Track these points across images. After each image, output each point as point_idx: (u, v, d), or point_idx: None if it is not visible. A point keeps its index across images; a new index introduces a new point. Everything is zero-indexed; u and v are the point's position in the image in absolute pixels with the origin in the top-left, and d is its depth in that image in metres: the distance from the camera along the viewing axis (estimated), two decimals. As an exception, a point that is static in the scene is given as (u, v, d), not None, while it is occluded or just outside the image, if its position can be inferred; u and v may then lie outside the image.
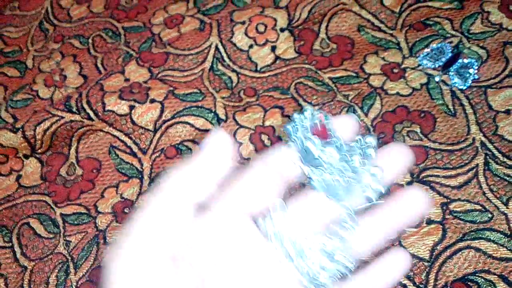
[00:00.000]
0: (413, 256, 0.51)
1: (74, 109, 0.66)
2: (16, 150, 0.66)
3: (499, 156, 0.55)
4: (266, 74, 0.66)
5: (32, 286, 0.57)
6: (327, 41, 0.67)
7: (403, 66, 0.63)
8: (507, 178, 0.54)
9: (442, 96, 0.60)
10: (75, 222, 0.59)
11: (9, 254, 0.59)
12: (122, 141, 0.63)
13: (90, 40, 0.75)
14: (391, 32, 0.66)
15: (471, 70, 0.61)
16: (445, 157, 0.56)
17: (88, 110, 0.66)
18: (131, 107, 0.65)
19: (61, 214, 0.60)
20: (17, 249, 0.59)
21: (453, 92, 0.60)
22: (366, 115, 0.60)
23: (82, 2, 0.80)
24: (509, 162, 0.55)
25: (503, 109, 0.58)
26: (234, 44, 0.69)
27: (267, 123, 0.62)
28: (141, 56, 0.70)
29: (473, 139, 0.57)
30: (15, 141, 0.66)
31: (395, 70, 0.63)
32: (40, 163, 0.64)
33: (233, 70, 0.67)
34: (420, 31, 0.65)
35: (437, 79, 0.61)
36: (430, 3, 0.68)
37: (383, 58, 0.64)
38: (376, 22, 0.67)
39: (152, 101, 0.65)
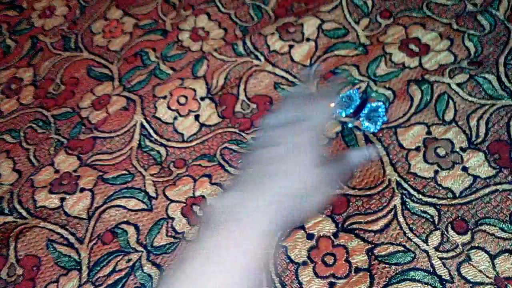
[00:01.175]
0: (345, 308, 0.53)
1: (6, 211, 0.67)
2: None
3: (415, 194, 0.58)
4: (193, 143, 0.69)
5: None
6: (247, 102, 0.70)
7: (318, 117, 0.66)
8: (424, 215, 0.56)
9: (356, 141, 0.63)
10: (17, 327, 0.59)
11: None
12: (58, 233, 0.64)
13: (21, 133, 0.76)
14: (305, 85, 0.69)
15: (380, 113, 0.64)
16: (365, 202, 0.58)
17: (20, 210, 0.66)
18: (62, 199, 0.66)
19: (2, 321, 0.60)
20: None
21: (366, 136, 0.63)
22: (289, 171, 0.63)
23: (11, 96, 0.82)
24: (424, 199, 0.57)
25: (413, 147, 0.61)
26: (159, 119, 0.71)
27: (197, 193, 0.64)
28: (70, 144, 0.71)
29: (389, 180, 0.59)
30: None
31: (311, 123, 0.66)
32: (-22, 270, 0.64)
33: (161, 144, 0.69)
34: (331, 82, 0.69)
35: (350, 125, 0.64)
36: (337, 52, 0.72)
37: (299, 113, 0.67)
38: (290, 78, 0.71)
39: (82, 190, 0.66)
